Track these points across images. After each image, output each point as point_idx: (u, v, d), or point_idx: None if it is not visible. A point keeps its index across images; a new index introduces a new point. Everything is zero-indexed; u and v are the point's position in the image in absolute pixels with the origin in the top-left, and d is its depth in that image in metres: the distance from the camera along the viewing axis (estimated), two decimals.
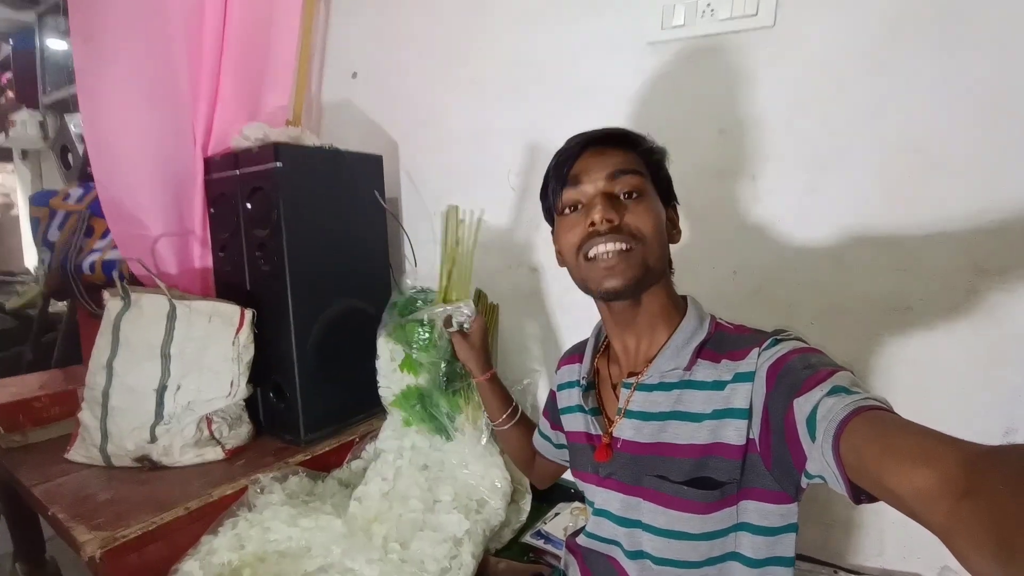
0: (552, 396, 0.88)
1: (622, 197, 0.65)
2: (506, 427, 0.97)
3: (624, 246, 0.62)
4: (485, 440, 1.12)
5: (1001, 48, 0.78)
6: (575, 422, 0.77)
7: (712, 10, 0.96)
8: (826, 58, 0.89)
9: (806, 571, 0.96)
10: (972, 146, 0.81)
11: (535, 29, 1.19)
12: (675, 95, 1.04)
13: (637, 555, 0.66)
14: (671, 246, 0.70)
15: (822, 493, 0.54)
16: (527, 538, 1.12)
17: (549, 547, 1.08)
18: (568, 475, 1.23)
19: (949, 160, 0.82)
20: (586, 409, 0.73)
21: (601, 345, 0.78)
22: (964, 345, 0.84)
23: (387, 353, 1.19)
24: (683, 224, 0.73)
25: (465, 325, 0.96)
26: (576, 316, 1.22)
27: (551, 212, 0.72)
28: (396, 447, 1.17)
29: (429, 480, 1.10)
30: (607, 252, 0.63)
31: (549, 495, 1.22)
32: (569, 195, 0.67)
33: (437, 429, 1.15)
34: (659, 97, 1.05)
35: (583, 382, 0.76)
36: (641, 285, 0.64)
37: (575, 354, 0.83)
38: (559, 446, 0.89)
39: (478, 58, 1.29)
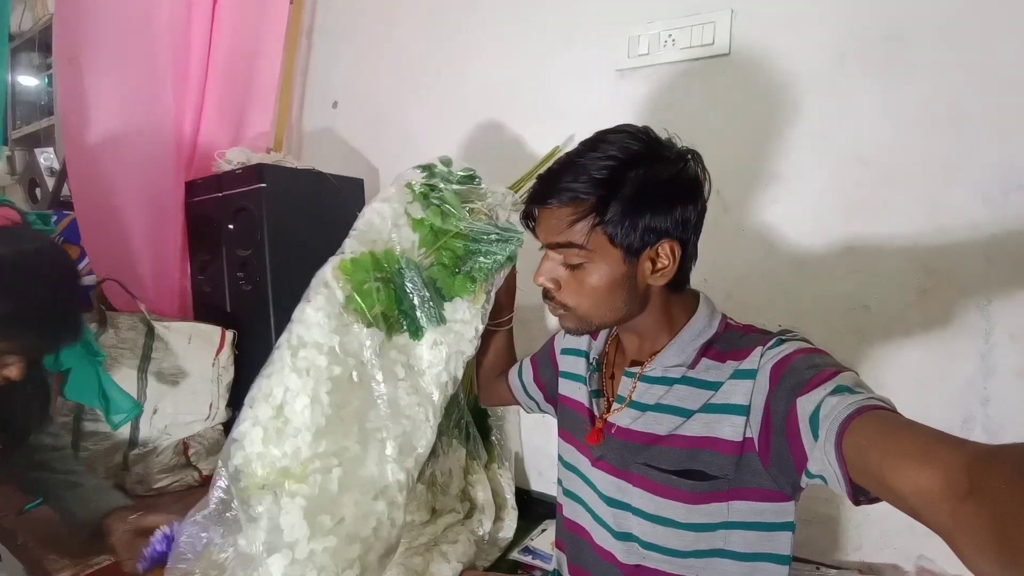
0: (550, 354, 0.88)
1: (563, 263, 0.64)
2: (497, 328, 0.92)
3: (561, 311, 0.66)
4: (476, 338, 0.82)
5: (939, 69, 0.86)
6: (575, 391, 0.78)
7: (673, 40, 1.04)
8: (779, 82, 0.98)
9: (790, 569, 0.97)
10: (917, 158, 0.89)
11: (511, 56, 1.26)
12: (644, 117, 1.10)
13: (625, 537, 0.66)
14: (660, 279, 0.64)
15: (808, 488, 0.56)
16: (515, 555, 1.10)
17: (538, 562, 1.07)
18: (550, 487, 1.24)
19: (896, 171, 0.90)
20: (590, 388, 0.75)
21: (613, 330, 0.77)
22: (919, 341, 0.90)
23: (397, 206, 0.83)
24: None
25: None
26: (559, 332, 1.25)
27: None
28: (333, 344, 0.72)
29: (367, 403, 0.73)
30: (549, 307, 0.67)
31: (534, 512, 1.21)
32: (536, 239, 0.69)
33: (409, 320, 0.78)
34: (629, 118, 1.11)
35: (594, 362, 0.76)
36: (594, 331, 0.68)
37: None
38: (529, 396, 0.92)
39: (456, 85, 1.35)
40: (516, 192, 0.89)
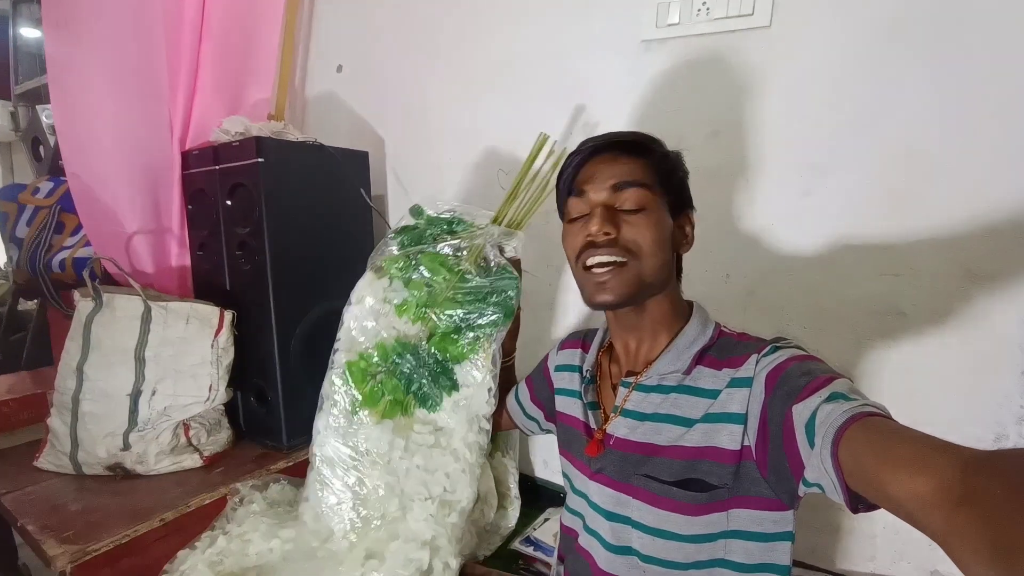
0: (544, 372, 0.88)
1: (625, 208, 0.64)
2: (501, 366, 0.90)
3: (619, 259, 0.63)
4: (494, 391, 0.87)
5: (996, 52, 0.77)
6: (571, 407, 0.78)
7: (708, 9, 0.94)
8: (822, 61, 0.88)
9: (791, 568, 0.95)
10: (966, 150, 0.80)
11: (526, 24, 1.16)
12: (669, 94, 1.02)
13: (624, 551, 0.66)
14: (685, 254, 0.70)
15: (812, 497, 0.54)
16: (516, 545, 1.09)
17: (539, 554, 1.06)
18: (555, 476, 1.23)
19: (943, 165, 0.82)
20: (585, 401, 0.75)
21: (606, 341, 0.78)
22: (955, 351, 0.84)
23: (376, 295, 0.86)
24: None
25: (518, 252, 0.83)
26: (566, 319, 1.20)
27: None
28: (347, 453, 0.88)
29: (395, 478, 0.86)
30: (601, 264, 0.64)
31: (538, 500, 1.20)
32: (574, 204, 0.68)
33: (420, 398, 0.86)
34: (653, 96, 1.03)
35: (587, 375, 0.76)
36: (635, 299, 0.65)
37: (578, 339, 0.84)
38: (529, 417, 0.93)
39: (468, 53, 1.26)
40: (508, 211, 0.86)
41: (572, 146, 0.72)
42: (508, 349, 0.94)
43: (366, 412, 0.86)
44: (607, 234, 0.63)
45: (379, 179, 1.40)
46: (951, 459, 0.36)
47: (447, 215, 0.88)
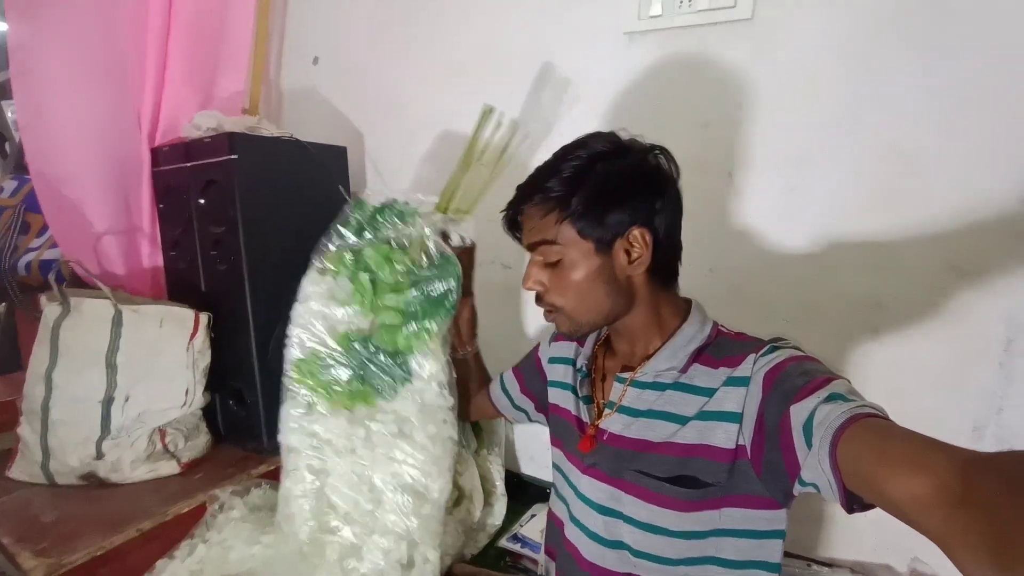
0: (536, 363, 0.88)
1: (547, 261, 0.66)
2: (466, 355, 0.97)
3: (552, 313, 0.68)
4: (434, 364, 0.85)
5: (982, 46, 0.77)
6: (564, 399, 0.78)
7: (690, 1, 0.93)
8: (805, 54, 0.88)
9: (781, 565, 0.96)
10: (949, 146, 0.80)
11: (507, 14, 1.14)
12: (653, 87, 1.01)
13: (616, 545, 0.66)
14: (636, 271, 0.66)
15: (807, 493, 0.54)
16: (503, 542, 1.09)
17: (526, 551, 1.06)
18: (541, 471, 1.23)
19: (926, 160, 0.82)
20: (580, 395, 0.75)
21: (603, 335, 0.78)
22: (937, 344, 0.85)
23: (321, 291, 0.85)
24: None
25: (466, 240, 0.84)
26: None
27: None
28: (308, 442, 0.86)
29: (362, 466, 0.85)
30: (544, 312, 0.69)
31: (524, 495, 1.20)
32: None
33: (376, 388, 0.84)
34: (637, 88, 1.02)
35: (584, 368, 0.77)
36: (585, 334, 0.70)
37: None
38: (518, 408, 0.93)
39: (447, 44, 1.23)
40: (453, 199, 0.86)
41: (561, 138, 0.70)
42: (466, 338, 0.95)
43: (322, 403, 0.86)
44: (534, 290, 0.68)
45: (358, 174, 1.37)
46: (949, 460, 0.37)
47: (393, 205, 0.86)
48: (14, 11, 1.05)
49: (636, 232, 0.64)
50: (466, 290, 0.88)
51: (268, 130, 1.16)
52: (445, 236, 0.83)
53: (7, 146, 2.25)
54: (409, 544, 0.84)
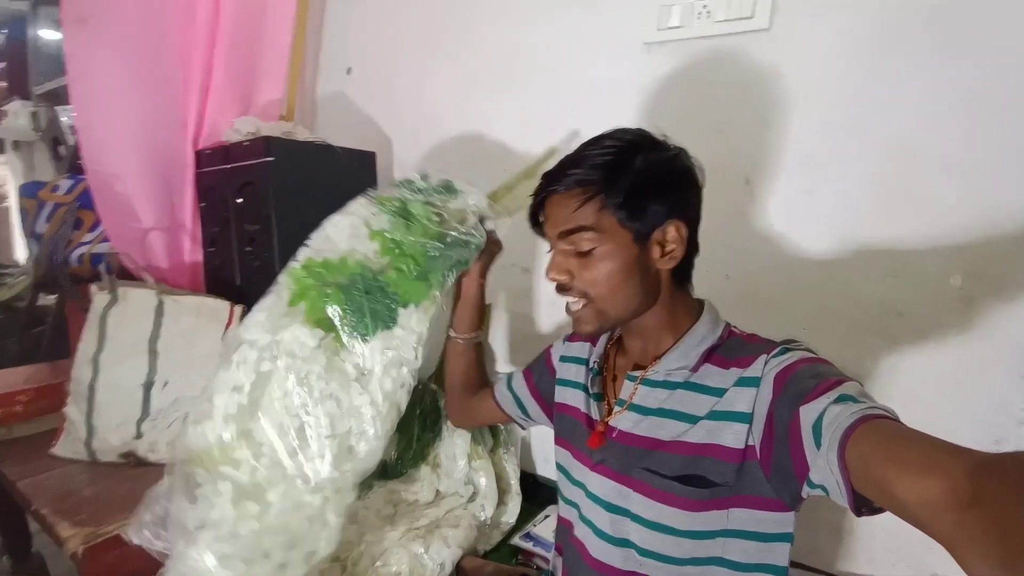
0: (547, 362, 0.87)
1: (575, 252, 0.65)
2: (465, 341, 0.92)
3: (579, 302, 0.66)
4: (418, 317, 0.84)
5: (998, 51, 0.77)
6: (574, 398, 0.78)
7: (708, 12, 0.95)
8: (822, 62, 0.89)
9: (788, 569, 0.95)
10: (967, 151, 0.80)
11: (531, 25, 1.18)
12: (671, 95, 1.03)
13: (622, 543, 0.66)
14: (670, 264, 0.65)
15: (812, 498, 0.54)
16: (516, 540, 1.11)
17: (538, 549, 1.07)
18: (547, 469, 1.24)
19: (944, 165, 0.82)
20: (590, 392, 0.74)
21: (615, 335, 0.78)
22: (954, 352, 0.84)
23: (362, 214, 0.86)
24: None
25: (496, 235, 0.86)
26: (567, 318, 1.21)
27: None
28: (267, 341, 0.77)
29: (303, 397, 0.76)
30: (568, 304, 0.68)
31: (538, 497, 1.21)
32: (545, 238, 0.70)
33: (361, 315, 0.80)
34: (656, 96, 1.04)
35: (595, 367, 0.76)
36: (610, 329, 0.68)
37: None
38: (523, 411, 0.90)
39: (474, 54, 1.28)
40: (503, 198, 0.88)
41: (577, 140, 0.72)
42: (473, 318, 0.91)
43: (303, 307, 0.79)
44: (561, 281, 0.66)
45: (386, 178, 1.43)
46: (960, 462, 0.36)
47: (451, 184, 0.89)
48: (70, 21, 1.15)
49: (674, 227, 0.63)
50: (483, 271, 0.88)
51: (302, 135, 1.22)
52: (482, 220, 0.86)
53: (61, 149, 2.41)
54: (322, 498, 0.75)
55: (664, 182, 0.63)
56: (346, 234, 0.84)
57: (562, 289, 0.67)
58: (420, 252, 0.83)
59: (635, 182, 0.62)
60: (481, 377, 0.98)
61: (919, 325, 0.86)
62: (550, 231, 0.67)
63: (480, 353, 0.97)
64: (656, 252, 0.64)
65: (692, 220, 0.66)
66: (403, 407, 0.82)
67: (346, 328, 0.79)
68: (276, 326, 0.78)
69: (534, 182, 0.83)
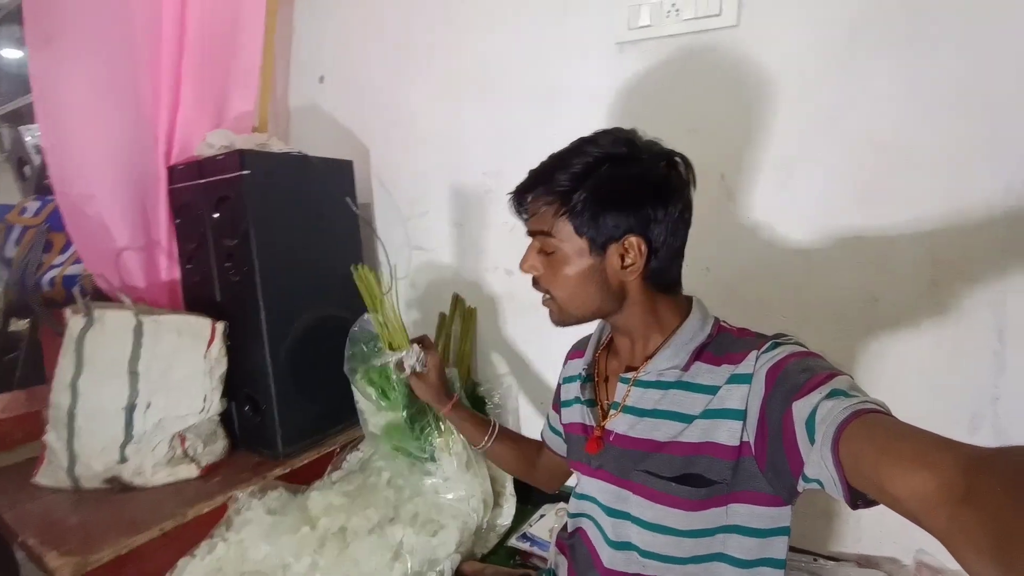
0: (557, 391, 0.88)
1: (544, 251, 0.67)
2: (489, 445, 0.93)
3: (546, 298, 0.69)
4: (457, 465, 1.09)
5: (967, 46, 0.80)
6: (574, 414, 0.78)
7: (677, 10, 0.97)
8: (790, 57, 0.91)
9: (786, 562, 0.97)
10: (935, 141, 0.83)
11: (503, 30, 1.18)
12: (645, 94, 1.04)
13: (624, 546, 0.66)
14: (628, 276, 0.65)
15: (807, 490, 0.55)
16: (513, 541, 1.11)
17: (535, 550, 1.08)
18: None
19: (912, 157, 0.84)
20: (582, 399, 0.75)
21: (604, 339, 0.79)
22: (928, 336, 0.87)
23: (369, 391, 1.10)
24: None
25: (417, 367, 0.92)
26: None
27: None
28: (379, 467, 1.14)
29: (397, 498, 1.07)
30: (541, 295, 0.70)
31: (532, 497, 1.22)
32: None
33: (417, 461, 1.10)
34: (629, 96, 1.06)
35: (583, 373, 0.77)
36: (573, 324, 0.70)
37: (581, 348, 0.83)
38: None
39: (447, 60, 1.28)
40: (388, 340, 0.96)
41: (552, 146, 0.72)
42: (479, 434, 0.94)
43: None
44: (529, 274, 0.69)
45: (365, 187, 1.42)
46: (953, 456, 0.36)
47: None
48: (35, 40, 1.11)
49: (632, 240, 0.63)
50: (435, 398, 0.93)
51: (277, 147, 1.21)
52: (401, 365, 0.92)
53: (26, 169, 2.34)
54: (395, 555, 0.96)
55: (625, 196, 0.63)
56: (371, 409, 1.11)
57: (534, 282, 0.70)
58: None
59: (593, 194, 0.62)
60: (527, 445, 0.97)
61: (895, 311, 0.89)
62: (527, 226, 0.70)
63: (507, 434, 0.97)
64: (616, 262, 0.64)
65: (661, 234, 0.64)
66: None
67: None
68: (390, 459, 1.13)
69: (386, 319, 0.94)
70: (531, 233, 0.68)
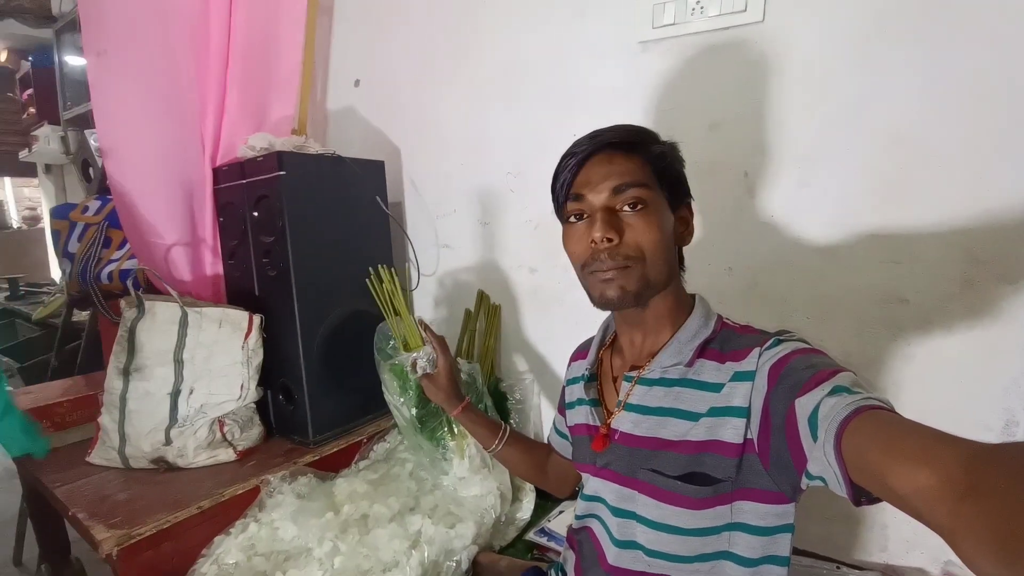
0: (562, 394, 0.88)
1: (626, 209, 0.63)
2: (499, 449, 0.95)
3: (624, 264, 0.63)
4: (471, 466, 1.12)
5: (989, 39, 0.77)
6: (578, 415, 0.78)
7: (702, 7, 0.96)
8: (815, 52, 0.89)
9: (808, 567, 0.95)
10: (961, 137, 0.80)
11: (527, 32, 1.21)
12: (668, 92, 1.04)
13: (629, 545, 0.67)
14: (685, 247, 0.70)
15: (822, 488, 0.55)
16: (531, 535, 1.13)
17: (553, 544, 1.09)
18: None
19: (938, 152, 0.82)
20: (586, 400, 0.75)
21: (608, 339, 0.79)
22: (961, 337, 0.84)
23: (393, 384, 1.13)
24: None
25: (429, 368, 0.95)
26: (577, 316, 1.23)
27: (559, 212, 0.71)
28: (403, 458, 1.20)
29: (418, 489, 1.12)
30: (606, 267, 0.63)
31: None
32: (573, 206, 0.66)
33: (434, 459, 1.13)
34: (652, 95, 1.06)
35: (586, 373, 0.77)
36: (639, 299, 0.64)
37: (584, 350, 0.83)
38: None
39: (473, 63, 1.31)
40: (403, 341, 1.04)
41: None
42: (490, 437, 0.96)
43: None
44: (610, 240, 0.62)
45: (396, 187, 1.47)
46: (955, 452, 0.36)
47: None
48: (91, 50, 1.20)
49: (692, 205, 0.69)
50: (460, 397, 0.97)
51: (314, 148, 1.26)
52: (415, 365, 0.97)
53: (91, 171, 2.51)
54: (412, 543, 0.99)
55: (680, 165, 0.69)
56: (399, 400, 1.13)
57: (606, 250, 0.63)
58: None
59: (668, 155, 0.66)
60: (538, 450, 0.97)
61: (924, 311, 0.86)
62: (597, 188, 0.63)
63: (518, 439, 0.97)
64: (680, 226, 0.68)
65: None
66: None
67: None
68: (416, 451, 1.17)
69: (401, 320, 0.99)
70: (622, 187, 0.63)
